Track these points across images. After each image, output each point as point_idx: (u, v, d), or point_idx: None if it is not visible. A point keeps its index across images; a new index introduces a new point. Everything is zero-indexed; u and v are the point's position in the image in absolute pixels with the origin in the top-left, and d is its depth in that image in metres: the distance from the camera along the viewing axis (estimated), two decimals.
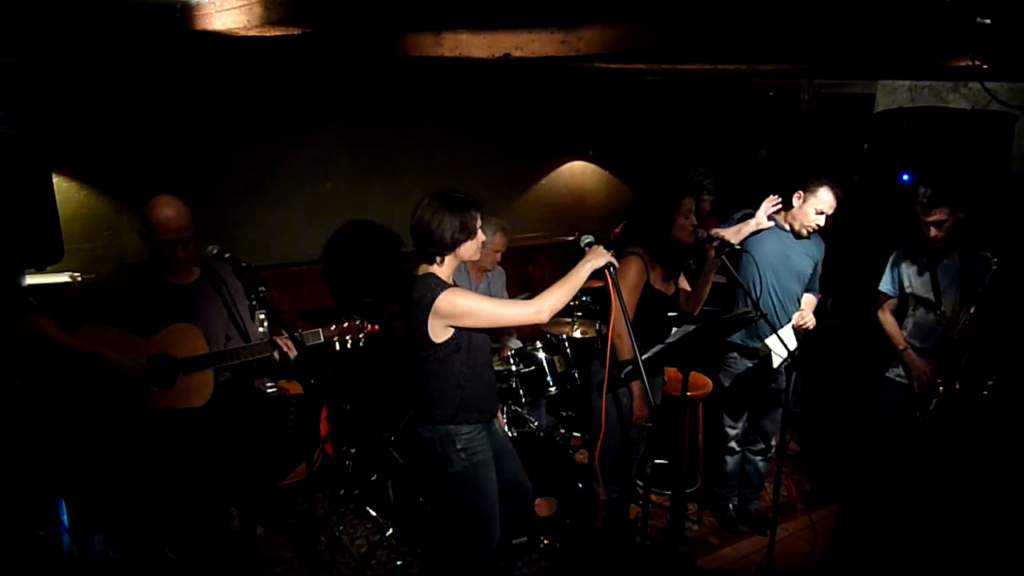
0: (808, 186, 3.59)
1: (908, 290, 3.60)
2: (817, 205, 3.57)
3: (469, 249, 2.78)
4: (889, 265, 3.69)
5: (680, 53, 3.91)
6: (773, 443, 3.98)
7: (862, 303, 3.79)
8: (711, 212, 4.79)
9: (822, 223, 3.62)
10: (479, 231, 2.78)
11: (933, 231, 3.39)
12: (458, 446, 2.85)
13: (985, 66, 2.83)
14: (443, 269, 2.80)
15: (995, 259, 3.30)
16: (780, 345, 3.50)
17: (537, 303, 2.70)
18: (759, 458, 4.05)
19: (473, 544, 2.96)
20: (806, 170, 3.64)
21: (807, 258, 3.76)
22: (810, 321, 3.74)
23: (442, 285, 2.72)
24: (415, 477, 3.87)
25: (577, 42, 3.46)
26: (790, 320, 3.72)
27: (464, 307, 2.69)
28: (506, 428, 3.20)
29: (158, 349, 2.83)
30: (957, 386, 3.38)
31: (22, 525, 2.87)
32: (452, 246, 2.74)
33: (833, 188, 3.55)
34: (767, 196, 3.62)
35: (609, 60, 4.49)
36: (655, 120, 6.29)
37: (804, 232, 3.66)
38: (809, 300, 3.86)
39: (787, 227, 3.73)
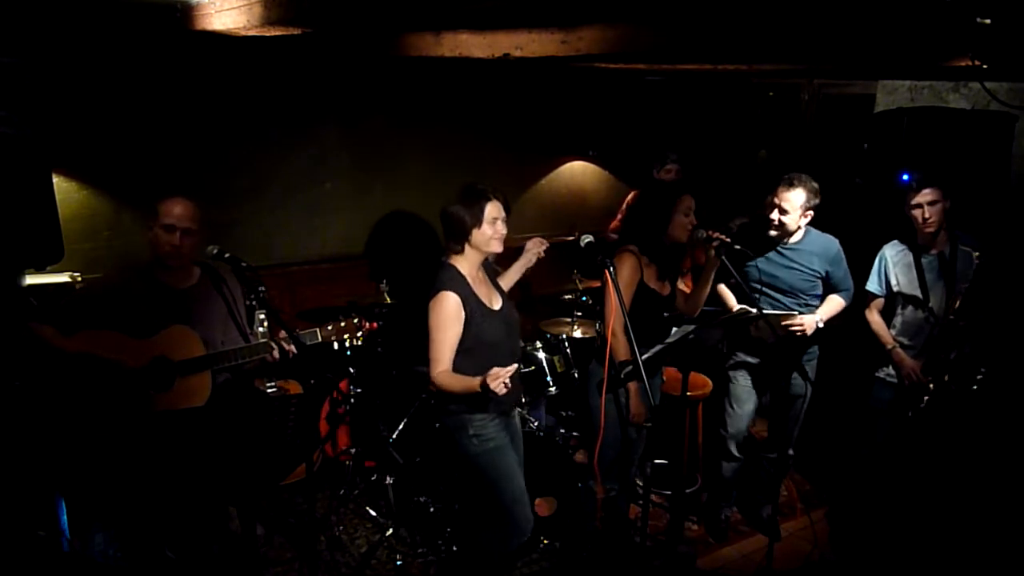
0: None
1: (895, 288, 3.60)
2: (772, 198, 3.49)
3: (481, 238, 2.88)
4: (876, 265, 3.68)
5: (680, 53, 3.91)
6: (791, 452, 3.93)
7: (864, 303, 3.78)
8: (678, 182, 4.89)
9: (773, 218, 3.49)
10: (494, 222, 2.86)
11: (926, 211, 3.39)
12: (470, 432, 2.94)
13: (985, 66, 2.83)
14: (464, 260, 2.93)
15: (977, 254, 3.31)
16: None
17: (436, 377, 2.83)
18: (773, 464, 3.97)
19: (500, 526, 3.01)
20: (806, 170, 3.61)
21: (799, 272, 3.62)
22: (796, 326, 3.53)
23: (446, 284, 2.84)
24: (415, 477, 3.87)
25: (577, 42, 3.46)
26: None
27: (431, 320, 2.85)
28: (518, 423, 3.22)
29: (155, 352, 2.83)
30: (946, 378, 3.38)
31: (22, 525, 2.87)
32: (463, 236, 2.88)
33: (785, 183, 3.43)
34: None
35: (609, 60, 4.49)
36: (655, 120, 6.28)
37: (771, 232, 3.54)
38: (829, 304, 3.66)
39: (772, 244, 3.61)
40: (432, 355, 2.85)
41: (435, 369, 2.84)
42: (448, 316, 2.81)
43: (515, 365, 2.77)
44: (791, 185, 3.44)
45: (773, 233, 3.55)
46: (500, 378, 2.65)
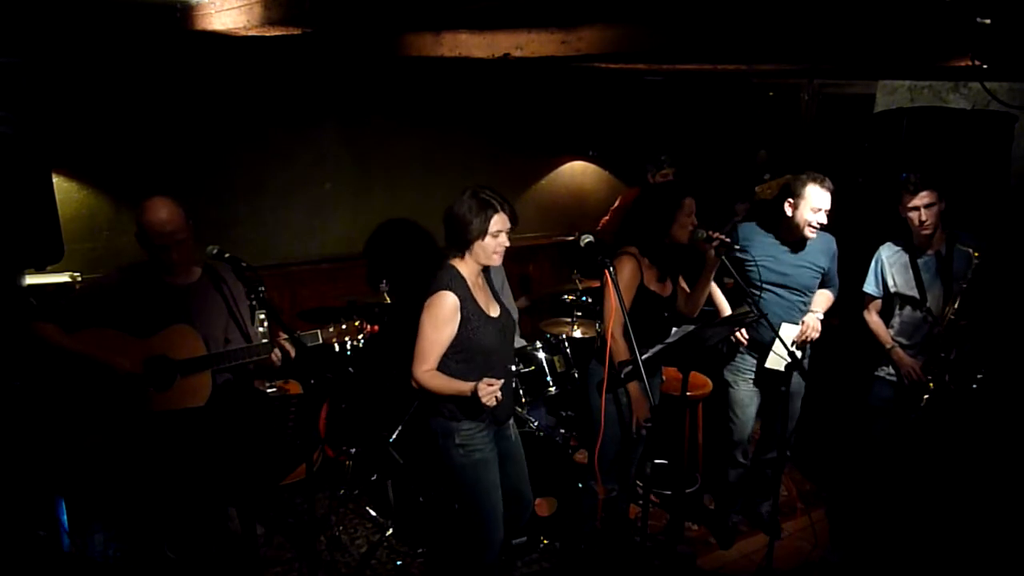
0: (795, 190, 3.46)
1: (892, 289, 3.60)
2: (812, 203, 3.44)
3: (482, 250, 2.83)
4: (872, 266, 3.68)
5: (680, 53, 3.92)
6: (788, 454, 3.90)
7: (863, 305, 3.78)
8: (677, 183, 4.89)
9: (824, 220, 3.48)
10: (498, 235, 2.82)
11: (923, 214, 3.39)
12: (456, 441, 2.90)
13: (985, 66, 2.83)
14: (465, 265, 2.88)
15: (976, 253, 3.31)
16: (777, 357, 3.50)
17: (420, 375, 2.80)
18: (770, 468, 3.94)
19: (474, 540, 2.99)
20: (806, 170, 3.61)
21: (808, 269, 3.62)
22: (811, 334, 3.60)
23: (446, 284, 2.81)
24: (415, 477, 3.87)
25: (577, 42, 3.46)
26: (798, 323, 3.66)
27: (424, 317, 2.82)
28: (514, 430, 3.20)
29: (156, 351, 2.83)
30: (947, 377, 3.38)
31: (22, 525, 2.88)
32: (464, 243, 2.83)
33: (820, 183, 3.43)
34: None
35: (609, 60, 4.49)
36: (655, 120, 6.29)
37: (810, 235, 3.52)
38: (821, 298, 3.70)
39: (782, 243, 3.59)
40: (419, 352, 2.81)
41: (419, 367, 2.80)
42: (444, 316, 2.79)
43: (501, 381, 2.68)
44: (832, 192, 3.43)
45: (811, 235, 3.54)
46: (492, 391, 2.62)
